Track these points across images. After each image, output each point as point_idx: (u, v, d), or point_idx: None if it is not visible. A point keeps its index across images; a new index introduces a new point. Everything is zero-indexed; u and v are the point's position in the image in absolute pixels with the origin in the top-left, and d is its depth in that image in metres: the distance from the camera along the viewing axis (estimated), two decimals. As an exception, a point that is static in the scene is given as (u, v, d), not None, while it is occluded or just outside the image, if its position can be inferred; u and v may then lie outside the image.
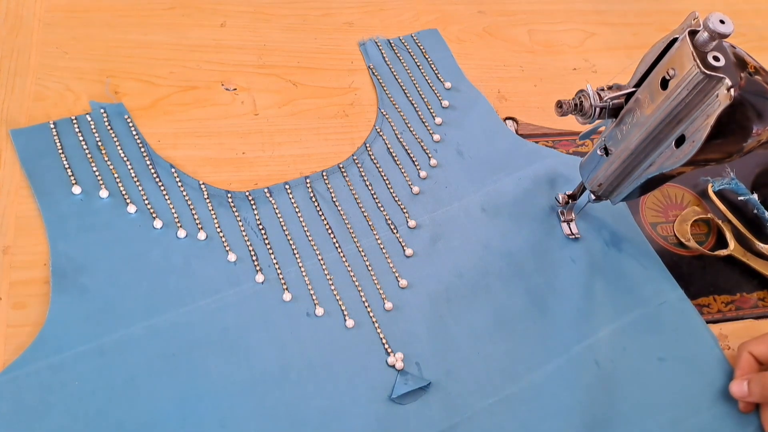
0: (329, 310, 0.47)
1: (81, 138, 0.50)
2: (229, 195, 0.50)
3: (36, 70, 0.54)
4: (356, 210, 0.52)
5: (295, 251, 0.49)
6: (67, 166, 0.49)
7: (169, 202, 0.49)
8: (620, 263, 0.52)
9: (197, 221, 0.49)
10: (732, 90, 0.35)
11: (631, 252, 0.53)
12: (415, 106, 0.59)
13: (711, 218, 0.57)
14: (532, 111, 0.61)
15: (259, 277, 0.47)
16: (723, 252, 0.55)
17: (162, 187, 0.50)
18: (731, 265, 0.55)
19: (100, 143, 0.51)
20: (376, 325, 0.47)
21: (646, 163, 0.43)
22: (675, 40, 0.38)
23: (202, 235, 0.48)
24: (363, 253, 0.50)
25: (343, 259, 0.49)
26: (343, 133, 0.57)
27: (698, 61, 0.36)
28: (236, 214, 0.50)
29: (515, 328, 0.48)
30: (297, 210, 0.51)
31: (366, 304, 0.47)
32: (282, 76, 0.59)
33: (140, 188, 0.49)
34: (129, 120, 0.52)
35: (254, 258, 0.48)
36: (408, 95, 0.59)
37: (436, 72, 0.61)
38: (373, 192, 0.53)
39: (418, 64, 0.61)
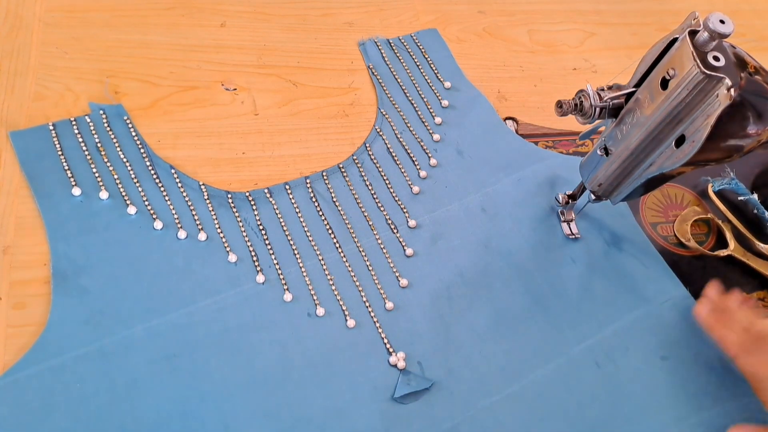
0: (330, 310, 0.47)
1: (80, 139, 0.50)
2: (229, 195, 0.50)
3: (36, 70, 0.54)
4: (356, 210, 0.52)
5: (296, 251, 0.49)
6: (66, 167, 0.49)
7: (169, 203, 0.49)
8: (621, 263, 0.52)
9: (197, 222, 0.49)
10: (732, 90, 0.35)
11: (633, 251, 0.53)
12: (415, 106, 0.59)
13: (711, 218, 0.57)
14: (532, 111, 0.61)
15: (260, 278, 0.47)
16: (723, 252, 0.55)
17: (162, 188, 0.50)
18: (731, 265, 0.55)
19: (99, 144, 0.51)
20: (377, 324, 0.47)
21: (646, 163, 0.43)
22: (675, 40, 0.38)
23: (202, 236, 0.48)
24: (363, 253, 0.50)
25: (344, 259, 0.49)
26: (343, 133, 0.57)
27: (698, 61, 0.36)
28: (236, 214, 0.50)
29: (516, 327, 0.48)
30: (297, 210, 0.51)
31: (367, 304, 0.47)
32: (282, 76, 0.59)
33: (140, 189, 0.49)
34: (128, 121, 0.52)
35: (255, 258, 0.48)
36: (408, 95, 0.59)
37: (436, 72, 0.61)
38: (373, 192, 0.53)
39: (418, 64, 0.61)
